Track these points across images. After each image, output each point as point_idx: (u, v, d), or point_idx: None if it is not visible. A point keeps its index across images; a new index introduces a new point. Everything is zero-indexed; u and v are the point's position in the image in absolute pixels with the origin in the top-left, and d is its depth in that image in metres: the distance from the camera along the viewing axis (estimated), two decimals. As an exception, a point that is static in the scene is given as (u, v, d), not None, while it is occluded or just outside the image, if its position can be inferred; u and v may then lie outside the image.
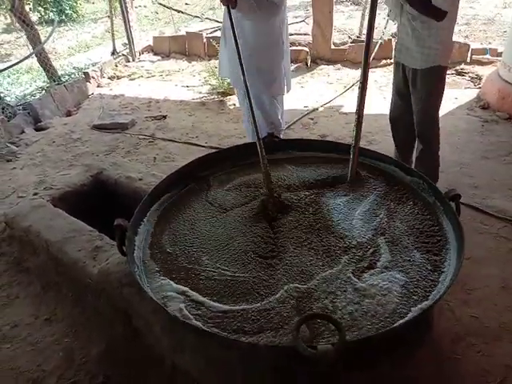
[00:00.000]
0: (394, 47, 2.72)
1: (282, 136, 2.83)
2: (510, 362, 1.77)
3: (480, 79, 4.57)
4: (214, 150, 3.71)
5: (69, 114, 4.81)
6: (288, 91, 2.91)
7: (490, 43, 6.66)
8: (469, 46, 5.09)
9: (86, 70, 5.37)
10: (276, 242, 1.58)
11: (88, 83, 5.29)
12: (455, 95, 4.40)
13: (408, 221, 1.63)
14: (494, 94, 3.97)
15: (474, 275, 2.18)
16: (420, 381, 1.55)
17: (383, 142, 3.62)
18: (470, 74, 4.76)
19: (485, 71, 4.70)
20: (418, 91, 2.53)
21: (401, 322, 1.22)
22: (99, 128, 4.29)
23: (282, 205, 1.73)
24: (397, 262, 1.44)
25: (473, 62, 4.98)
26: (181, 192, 1.91)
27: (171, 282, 1.44)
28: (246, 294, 1.38)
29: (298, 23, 6.85)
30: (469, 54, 5.03)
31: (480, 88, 4.36)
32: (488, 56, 4.80)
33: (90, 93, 5.25)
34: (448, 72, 5.00)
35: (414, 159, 2.84)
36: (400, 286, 1.35)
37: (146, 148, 3.87)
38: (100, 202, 2.97)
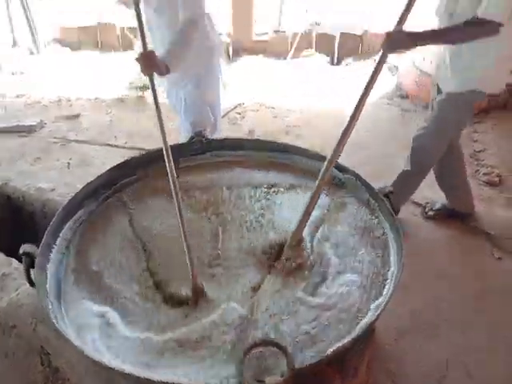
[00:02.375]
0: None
1: (217, 133, 2.62)
2: (449, 355, 1.80)
3: (397, 68, 4.72)
4: (134, 152, 3.46)
5: (-37, 116, 4.23)
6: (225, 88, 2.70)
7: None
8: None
9: (-19, 66, 4.76)
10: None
11: (-14, 81, 4.69)
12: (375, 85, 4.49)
13: (349, 221, 1.59)
14: (411, 83, 4.11)
15: (410, 269, 2.21)
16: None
17: (311, 136, 3.60)
18: (387, 64, 4.89)
19: (400, 60, 4.86)
20: (439, 111, 2.23)
21: (357, 330, 1.16)
22: (2, 131, 3.81)
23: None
24: (347, 265, 1.39)
25: (390, 52, 5.13)
26: (98, 206, 1.69)
27: (90, 306, 1.29)
28: (174, 318, 1.23)
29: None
30: (385, 44, 5.17)
31: (397, 77, 4.51)
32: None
33: (-12, 92, 4.65)
34: (368, 61, 5.19)
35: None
36: (357, 286, 1.32)
37: (59, 152, 3.50)
38: (6, 218, 2.63)
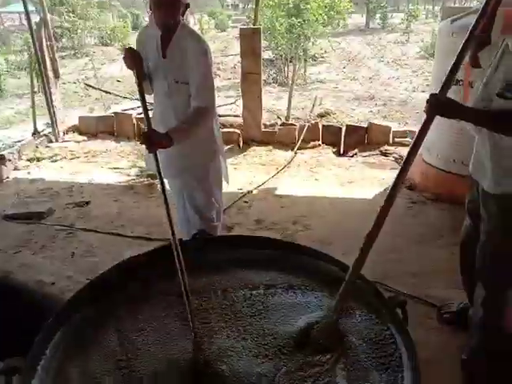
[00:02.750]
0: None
1: (218, 232, 2.63)
2: None
3: (403, 159, 4.80)
4: (140, 241, 3.43)
5: (-23, 201, 4.31)
6: (227, 183, 2.75)
7: (406, 123, 7.25)
8: (390, 128, 5.42)
9: (1, 153, 4.94)
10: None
11: (3, 166, 4.84)
12: (382, 176, 4.56)
13: (358, 331, 1.47)
14: (419, 175, 4.15)
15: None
16: None
17: (319, 228, 3.56)
18: (394, 155, 5.01)
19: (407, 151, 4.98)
20: (488, 220, 1.87)
21: None
22: (12, 218, 3.84)
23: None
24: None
25: (395, 144, 5.28)
26: (95, 312, 1.60)
27: None
28: None
29: (229, 104, 7.01)
30: (391, 136, 5.33)
31: (404, 169, 4.56)
32: (409, 139, 5.11)
33: (4, 177, 4.79)
34: (373, 152, 5.32)
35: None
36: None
37: (64, 241, 3.48)
38: (4, 314, 2.53)
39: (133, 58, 2.17)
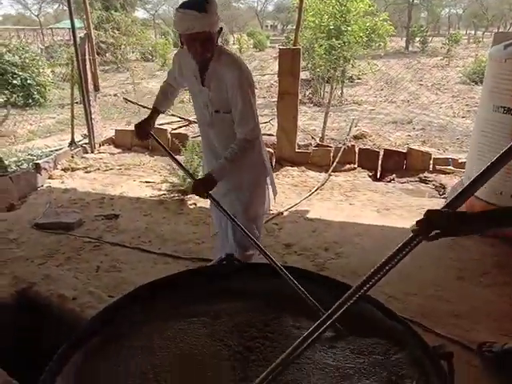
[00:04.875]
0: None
1: (253, 260, 2.50)
2: None
3: (444, 188, 4.57)
4: (166, 259, 3.35)
5: (11, 208, 4.37)
6: (275, 196, 2.69)
7: (446, 149, 6.97)
8: (430, 154, 5.19)
9: (37, 161, 5.03)
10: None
11: (38, 175, 4.93)
12: (421, 204, 4.32)
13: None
14: (461, 206, 3.89)
15: None
16: None
17: (352, 256, 3.37)
18: (434, 183, 4.77)
19: (448, 180, 4.74)
20: None
21: None
22: (42, 228, 3.85)
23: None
24: None
25: (435, 171, 5.04)
26: (115, 336, 1.50)
27: None
28: None
29: (264, 123, 6.95)
30: (431, 163, 5.10)
31: (445, 198, 4.32)
32: (451, 167, 4.87)
33: (39, 185, 4.87)
34: (411, 179, 5.09)
35: None
36: None
37: (90, 253, 3.44)
38: (25, 325, 2.49)
39: (142, 134, 2.41)
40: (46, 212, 4.13)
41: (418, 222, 1.25)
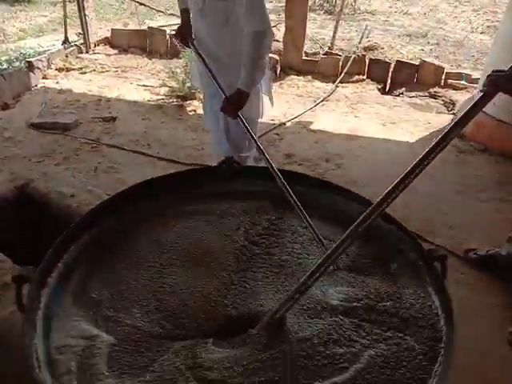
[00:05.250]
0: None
1: (248, 162, 2.45)
2: None
3: (454, 104, 4.39)
4: (164, 163, 3.31)
5: (5, 106, 4.23)
6: (272, 105, 2.55)
7: (459, 65, 6.62)
8: (443, 68, 4.92)
9: (30, 59, 4.77)
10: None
11: (32, 74, 4.70)
12: (428, 119, 4.19)
13: (394, 294, 1.30)
14: (470, 123, 3.76)
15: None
16: None
17: (353, 168, 3.32)
18: (444, 98, 4.58)
19: (458, 97, 4.54)
20: None
21: None
22: (38, 127, 3.75)
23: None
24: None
25: (446, 86, 4.82)
26: (113, 226, 1.49)
27: (82, 332, 1.11)
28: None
29: (269, 28, 6.51)
30: (443, 77, 4.86)
31: (454, 114, 4.17)
32: (464, 82, 4.64)
33: (33, 85, 4.66)
34: (420, 94, 4.89)
35: None
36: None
37: (88, 154, 3.39)
38: (24, 219, 2.51)
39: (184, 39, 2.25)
40: (42, 112, 4.01)
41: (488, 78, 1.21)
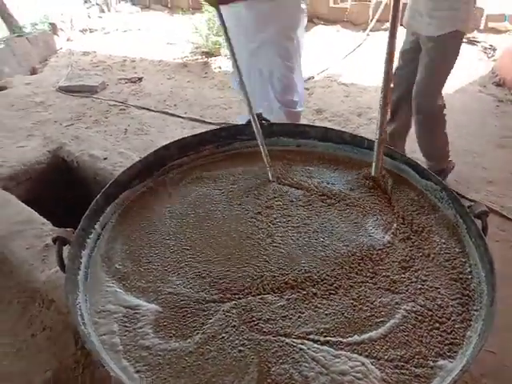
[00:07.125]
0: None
1: (300, 120, 2.30)
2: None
3: (495, 50, 4.10)
4: (192, 123, 3.28)
5: (33, 71, 4.26)
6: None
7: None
8: (483, 10, 4.57)
9: (52, 21, 4.73)
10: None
11: (56, 36, 4.68)
12: (465, 68, 3.95)
13: (430, 252, 1.26)
14: (510, 70, 3.53)
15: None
16: None
17: (386, 122, 3.21)
18: (484, 44, 4.28)
19: (501, 41, 4.23)
20: (427, 59, 2.22)
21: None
22: (66, 90, 3.77)
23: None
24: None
25: (487, 30, 4.49)
26: (147, 188, 1.49)
27: (122, 299, 1.08)
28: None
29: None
30: (483, 20, 4.52)
31: (495, 61, 3.91)
32: (506, 23, 4.31)
33: (58, 47, 4.66)
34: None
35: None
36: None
37: (117, 117, 3.39)
38: (59, 183, 2.57)
39: None
40: (69, 75, 4.01)
41: None
